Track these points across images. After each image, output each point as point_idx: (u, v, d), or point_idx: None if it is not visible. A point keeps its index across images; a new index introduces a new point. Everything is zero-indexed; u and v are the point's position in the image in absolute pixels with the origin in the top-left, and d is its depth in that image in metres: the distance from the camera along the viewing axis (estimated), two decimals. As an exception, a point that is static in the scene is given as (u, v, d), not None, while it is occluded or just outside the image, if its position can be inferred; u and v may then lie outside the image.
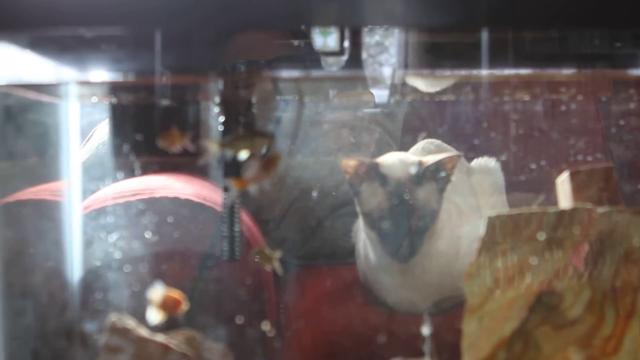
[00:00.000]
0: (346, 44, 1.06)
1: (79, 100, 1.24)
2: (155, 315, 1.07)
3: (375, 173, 1.26)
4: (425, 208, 1.24)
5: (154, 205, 1.22)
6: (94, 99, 1.28)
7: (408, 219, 1.23)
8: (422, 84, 1.24)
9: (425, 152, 1.34)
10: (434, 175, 1.25)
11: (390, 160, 1.28)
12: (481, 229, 0.99)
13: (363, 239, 1.34)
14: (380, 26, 1.02)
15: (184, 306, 1.09)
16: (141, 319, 1.11)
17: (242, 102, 1.23)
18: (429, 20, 0.96)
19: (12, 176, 1.30)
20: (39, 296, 1.19)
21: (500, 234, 0.99)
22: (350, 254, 1.40)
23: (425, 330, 1.10)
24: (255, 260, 1.14)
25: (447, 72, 1.18)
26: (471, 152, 1.40)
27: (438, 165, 1.25)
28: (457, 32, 1.08)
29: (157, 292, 1.07)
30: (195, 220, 1.23)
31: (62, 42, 1.04)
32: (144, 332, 1.10)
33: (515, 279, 1.00)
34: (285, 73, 1.33)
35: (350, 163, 1.27)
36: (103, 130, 1.48)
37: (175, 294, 1.09)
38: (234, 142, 1.03)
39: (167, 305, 1.08)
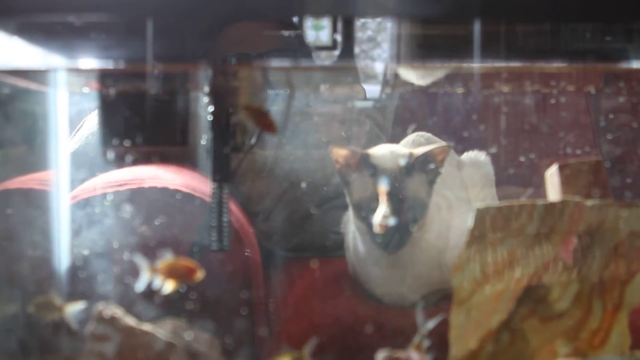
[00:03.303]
0: (338, 37, 1.06)
1: (68, 88, 1.24)
2: (165, 285, 1.06)
3: (365, 163, 1.26)
4: (415, 199, 1.24)
5: (142, 195, 1.22)
6: (83, 88, 1.28)
7: (397, 209, 1.23)
8: (413, 76, 1.24)
9: (415, 145, 1.34)
10: (423, 167, 1.25)
11: (381, 151, 1.28)
12: (470, 221, 0.99)
13: (352, 231, 1.33)
14: (372, 17, 1.02)
15: (199, 274, 1.07)
16: (128, 307, 1.11)
17: (232, 93, 1.23)
18: (421, 11, 0.96)
19: (0, 165, 1.30)
20: (26, 285, 1.18)
21: (490, 226, 0.99)
22: (339, 246, 1.40)
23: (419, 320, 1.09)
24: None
25: (438, 65, 1.18)
26: (461, 145, 1.40)
27: (428, 156, 1.25)
28: (448, 25, 1.08)
29: (163, 260, 1.06)
30: (184, 211, 1.22)
31: (51, 29, 1.03)
32: (130, 321, 1.10)
33: (504, 272, 1.00)
34: (276, 65, 1.32)
35: (341, 152, 1.27)
36: (93, 120, 1.47)
37: (188, 262, 1.07)
38: None
39: (179, 274, 1.06)
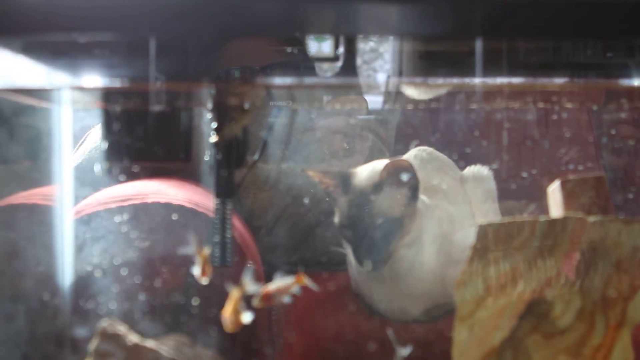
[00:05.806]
0: (340, 50, 1.06)
1: (72, 105, 1.24)
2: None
3: (340, 183, 1.26)
4: (387, 215, 1.24)
5: (146, 210, 1.22)
6: (87, 104, 1.28)
7: (370, 228, 1.23)
8: (415, 91, 1.24)
9: (417, 160, 1.34)
10: (394, 183, 1.25)
11: (362, 168, 1.28)
12: (473, 236, 1.00)
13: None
14: (374, 35, 1.03)
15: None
16: (132, 324, 1.11)
17: (235, 108, 1.23)
18: (423, 30, 0.96)
19: (4, 180, 1.30)
20: (30, 301, 1.18)
21: (493, 241, 0.99)
22: (342, 261, 1.40)
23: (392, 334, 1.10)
24: None
25: (440, 80, 1.18)
26: (464, 160, 1.40)
27: (390, 171, 1.24)
28: (450, 41, 1.09)
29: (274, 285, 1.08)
30: (187, 226, 1.23)
31: (56, 47, 1.04)
32: (134, 338, 1.10)
33: (507, 287, 1.00)
34: (279, 79, 1.33)
35: (318, 176, 1.28)
36: (96, 135, 1.47)
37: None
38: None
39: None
